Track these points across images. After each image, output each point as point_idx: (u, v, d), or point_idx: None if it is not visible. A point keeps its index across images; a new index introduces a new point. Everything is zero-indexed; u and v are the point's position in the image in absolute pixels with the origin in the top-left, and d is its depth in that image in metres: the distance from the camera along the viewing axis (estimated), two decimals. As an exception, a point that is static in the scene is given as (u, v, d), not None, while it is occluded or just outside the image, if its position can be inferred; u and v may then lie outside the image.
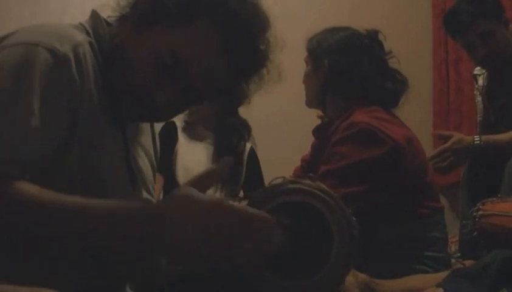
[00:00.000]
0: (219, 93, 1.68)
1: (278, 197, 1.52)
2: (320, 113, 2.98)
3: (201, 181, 1.51)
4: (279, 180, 1.56)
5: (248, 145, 4.05)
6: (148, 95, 1.59)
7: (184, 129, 4.06)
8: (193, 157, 3.90)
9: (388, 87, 2.81)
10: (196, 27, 1.58)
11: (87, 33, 1.66)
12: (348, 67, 2.79)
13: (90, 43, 1.62)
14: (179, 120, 4.05)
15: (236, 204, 1.36)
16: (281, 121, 4.80)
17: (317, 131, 2.99)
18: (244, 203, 1.44)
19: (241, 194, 3.62)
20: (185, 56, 1.57)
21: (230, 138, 3.94)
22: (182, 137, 4.01)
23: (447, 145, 3.46)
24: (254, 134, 4.09)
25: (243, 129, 4.01)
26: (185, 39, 1.57)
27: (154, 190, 1.86)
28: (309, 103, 2.94)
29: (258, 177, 4.01)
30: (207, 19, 1.58)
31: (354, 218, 1.58)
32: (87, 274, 1.52)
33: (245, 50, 1.60)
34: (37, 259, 1.45)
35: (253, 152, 4.07)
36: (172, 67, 1.56)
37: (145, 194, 1.79)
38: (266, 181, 3.25)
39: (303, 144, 3.16)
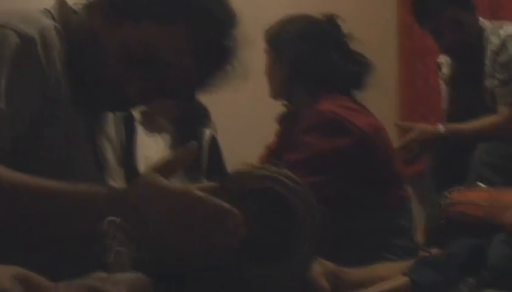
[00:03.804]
0: (187, 89, 1.68)
1: (244, 183, 1.50)
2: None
3: (164, 167, 1.48)
4: (245, 167, 1.55)
5: (209, 132, 4.04)
6: (118, 87, 1.57)
7: (143, 120, 4.03)
8: (153, 147, 3.88)
9: (352, 69, 2.80)
10: (167, 22, 1.57)
11: (53, 18, 1.64)
12: (312, 56, 2.78)
13: (57, 29, 1.60)
14: (136, 111, 4.01)
15: (200, 192, 1.35)
16: (245, 112, 4.78)
17: (282, 119, 2.97)
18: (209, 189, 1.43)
19: (203, 181, 3.60)
20: (156, 50, 1.55)
21: (190, 127, 3.92)
22: (140, 128, 3.98)
23: (412, 135, 3.46)
24: (218, 124, 4.06)
25: (203, 117, 3.99)
26: (157, 34, 1.57)
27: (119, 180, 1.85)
28: (274, 95, 2.92)
29: (220, 164, 4.01)
30: (177, 15, 1.57)
31: (320, 206, 1.57)
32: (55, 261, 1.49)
33: (212, 46, 1.60)
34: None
35: (214, 140, 4.07)
36: (144, 61, 1.55)
37: (112, 183, 1.78)
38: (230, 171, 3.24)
39: (269, 135, 3.14)
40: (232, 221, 1.36)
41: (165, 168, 1.47)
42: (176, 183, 1.42)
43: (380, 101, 3.56)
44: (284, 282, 1.54)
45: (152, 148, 3.85)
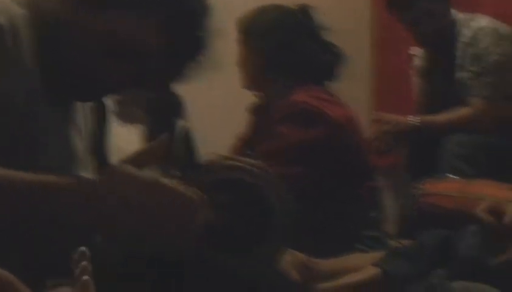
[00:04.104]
0: (160, 79, 1.67)
1: (215, 174, 1.50)
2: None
3: (137, 159, 1.48)
4: (216, 157, 1.55)
5: (182, 123, 4.03)
6: (91, 77, 1.56)
7: (116, 110, 4.01)
8: (127, 137, 3.87)
9: (325, 60, 2.80)
10: (140, 12, 1.56)
11: (25, 7, 1.62)
12: (285, 46, 2.77)
13: (27, 17, 1.58)
14: (109, 100, 3.99)
15: (170, 181, 1.34)
16: (218, 102, 4.77)
17: (255, 110, 2.97)
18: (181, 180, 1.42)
19: (176, 171, 3.59)
20: (129, 40, 1.54)
21: (164, 117, 3.91)
22: (114, 118, 3.96)
23: (385, 126, 3.47)
24: (192, 115, 4.05)
25: (177, 108, 3.98)
26: (129, 24, 1.55)
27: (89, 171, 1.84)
28: (247, 85, 2.91)
29: (193, 155, 4.00)
30: (150, 5, 1.56)
31: (292, 197, 1.57)
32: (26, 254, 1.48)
33: (185, 37, 1.59)
34: None
35: (187, 130, 4.05)
36: (116, 51, 1.54)
37: (82, 174, 1.76)
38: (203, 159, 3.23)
39: (242, 125, 3.13)
40: (202, 211, 1.36)
41: (137, 160, 1.46)
42: (147, 173, 1.41)
43: (354, 92, 3.57)
44: (255, 272, 1.54)
45: (125, 138, 3.84)
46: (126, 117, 3.95)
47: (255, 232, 1.52)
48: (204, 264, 1.47)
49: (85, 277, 1.05)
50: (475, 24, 3.46)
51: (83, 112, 1.84)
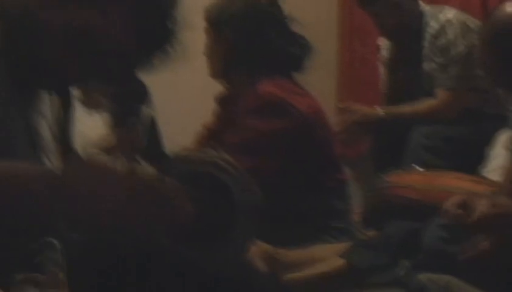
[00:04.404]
0: (126, 70, 1.65)
1: (182, 167, 1.49)
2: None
3: (104, 148, 1.46)
4: (182, 151, 1.54)
5: (147, 111, 4.00)
6: (56, 67, 1.54)
7: (81, 97, 3.98)
8: (92, 125, 3.84)
9: (292, 51, 2.79)
10: (107, 2, 1.53)
11: None
12: (252, 36, 2.76)
13: None
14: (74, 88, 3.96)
15: (142, 172, 1.34)
16: (185, 92, 4.75)
17: (221, 100, 2.95)
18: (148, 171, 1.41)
19: (141, 160, 3.57)
20: (96, 31, 1.53)
21: (128, 105, 3.88)
22: (79, 105, 3.93)
23: (351, 117, 3.47)
24: (158, 104, 4.03)
25: (142, 96, 3.95)
26: (96, 14, 1.53)
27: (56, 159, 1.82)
28: (214, 75, 2.89)
29: (158, 144, 3.98)
30: None
31: (258, 189, 1.57)
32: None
33: (152, 27, 1.57)
34: None
35: (153, 119, 4.03)
36: (83, 42, 1.52)
37: (47, 163, 1.74)
38: (168, 149, 3.22)
39: (208, 115, 3.12)
40: (171, 203, 1.35)
41: (104, 148, 1.45)
42: (113, 162, 1.40)
43: (320, 82, 3.57)
44: (221, 264, 1.54)
45: (90, 125, 3.81)
46: (91, 105, 3.92)
47: (221, 225, 1.52)
48: (171, 256, 1.46)
49: (54, 269, 1.04)
50: (442, 16, 3.47)
51: (48, 100, 1.82)
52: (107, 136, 2.80)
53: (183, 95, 4.63)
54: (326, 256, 2.59)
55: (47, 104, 1.81)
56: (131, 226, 1.33)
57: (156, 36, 1.60)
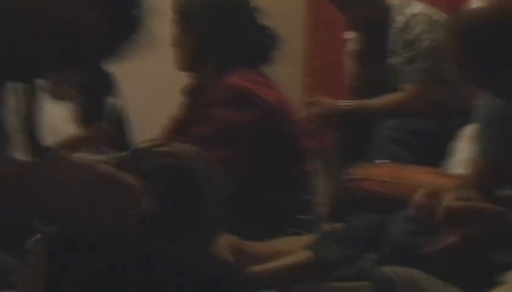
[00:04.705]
0: (94, 59, 1.64)
1: (149, 160, 1.49)
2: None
3: (73, 143, 1.46)
4: (150, 143, 1.54)
5: (114, 101, 3.99)
6: (25, 57, 1.52)
7: (49, 88, 3.96)
8: (60, 115, 3.82)
9: (260, 43, 2.79)
10: None
11: None
12: (221, 28, 2.76)
13: None
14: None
15: (105, 166, 1.34)
16: (153, 83, 4.73)
17: (189, 91, 2.95)
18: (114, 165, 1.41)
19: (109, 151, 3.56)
20: (64, 20, 1.51)
21: (96, 96, 3.87)
22: (45, 96, 3.91)
23: (317, 109, 3.47)
24: (126, 95, 4.01)
25: (110, 87, 3.94)
26: (65, 3, 1.51)
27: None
28: (181, 66, 2.88)
29: (126, 134, 3.96)
30: None
31: (225, 181, 1.57)
32: None
33: (121, 16, 1.56)
34: None
35: (119, 109, 4.02)
36: (51, 31, 1.51)
37: (14, 154, 1.73)
38: (135, 138, 3.20)
39: (175, 105, 3.11)
40: (139, 196, 1.35)
41: (74, 144, 1.44)
42: (83, 157, 1.40)
43: (287, 74, 3.57)
44: (189, 257, 1.54)
45: (58, 116, 3.79)
46: (59, 95, 3.89)
47: (189, 219, 1.51)
48: (138, 250, 1.46)
49: (36, 264, 1.03)
50: (409, 10, 3.48)
51: (14, 91, 1.81)
52: (75, 127, 2.78)
53: (151, 86, 4.61)
54: (293, 248, 2.60)
55: (13, 95, 1.79)
56: (98, 219, 1.33)
57: (124, 25, 1.59)
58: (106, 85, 3.90)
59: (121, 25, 1.59)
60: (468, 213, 1.97)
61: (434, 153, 3.23)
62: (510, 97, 2.11)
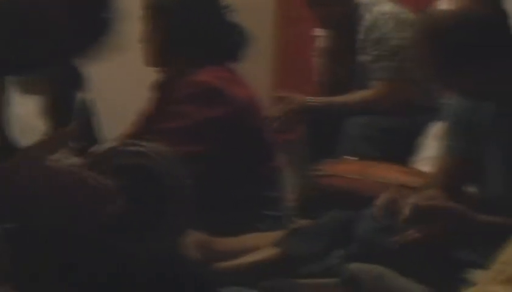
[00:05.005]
0: (64, 59, 1.64)
1: (115, 158, 1.49)
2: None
3: (46, 144, 1.45)
4: (119, 142, 1.53)
5: (82, 95, 3.97)
6: None
7: (17, 82, 3.92)
8: (27, 108, 3.79)
9: (229, 41, 2.79)
10: None
11: None
12: (189, 25, 2.75)
13: None
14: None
15: (73, 166, 1.34)
16: (122, 79, 4.71)
17: (157, 87, 2.94)
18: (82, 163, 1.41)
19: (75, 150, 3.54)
20: (34, 19, 1.50)
21: (66, 90, 3.84)
22: (15, 89, 3.88)
23: (285, 105, 3.48)
24: (94, 90, 3.99)
25: (79, 81, 3.91)
26: (34, 2, 1.51)
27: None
28: (149, 62, 2.87)
29: (92, 129, 3.94)
30: None
31: (192, 180, 1.57)
32: None
33: (91, 17, 1.56)
34: None
35: (88, 103, 4.00)
36: (20, 31, 1.50)
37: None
38: (104, 133, 3.19)
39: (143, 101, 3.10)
40: (104, 195, 1.35)
41: (47, 144, 1.44)
42: (56, 158, 1.40)
43: (255, 70, 3.57)
44: (156, 255, 1.54)
45: (27, 109, 3.76)
46: (28, 88, 3.86)
47: (156, 217, 1.52)
48: (106, 248, 1.46)
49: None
50: (378, 9, 3.49)
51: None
52: (43, 122, 2.77)
53: (120, 82, 4.59)
54: (261, 245, 2.60)
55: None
56: (67, 218, 1.33)
57: (94, 26, 1.59)
58: (76, 80, 3.88)
59: (92, 26, 1.59)
60: (433, 212, 2.00)
61: (402, 151, 3.25)
62: (475, 97, 2.13)
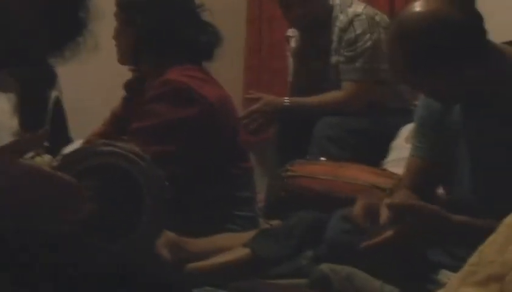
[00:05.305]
0: (37, 59, 1.63)
1: (89, 159, 1.48)
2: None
3: (16, 146, 1.44)
4: (90, 142, 1.53)
5: (54, 93, 3.94)
6: None
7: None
8: (0, 107, 3.76)
9: (201, 40, 2.78)
10: None
11: None
12: (161, 23, 2.74)
13: None
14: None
15: (44, 167, 1.34)
16: (94, 78, 4.69)
17: (129, 86, 2.93)
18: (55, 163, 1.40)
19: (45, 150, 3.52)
20: (8, 18, 1.49)
21: (36, 88, 3.81)
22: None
23: (257, 106, 3.48)
24: (67, 89, 3.97)
25: (51, 79, 3.88)
26: (8, 1, 1.50)
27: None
28: (121, 60, 2.86)
29: (63, 128, 3.91)
30: None
31: (165, 180, 1.56)
32: None
33: (66, 17, 1.55)
34: None
35: (59, 101, 3.97)
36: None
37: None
38: (75, 133, 3.17)
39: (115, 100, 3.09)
40: (76, 196, 1.34)
41: (17, 147, 1.43)
42: (26, 160, 1.39)
43: (227, 70, 3.56)
44: (129, 256, 1.53)
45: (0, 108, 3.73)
46: (1, 87, 3.83)
47: (128, 218, 1.51)
48: (79, 250, 1.45)
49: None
50: (352, 10, 3.50)
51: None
52: (22, 137, 2.75)
53: (91, 80, 4.57)
54: (231, 245, 2.60)
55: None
56: (37, 220, 1.32)
57: (68, 25, 1.58)
58: (49, 79, 3.85)
59: (66, 26, 1.58)
60: (402, 212, 2.00)
61: (372, 152, 3.27)
62: (447, 99, 2.14)
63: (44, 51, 1.62)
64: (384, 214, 1.99)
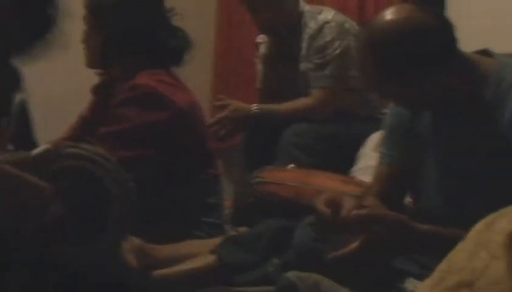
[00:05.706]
0: (4, 54, 1.61)
1: (56, 162, 1.46)
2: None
3: None
4: (56, 145, 1.52)
5: (19, 96, 3.90)
6: None
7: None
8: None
9: (171, 45, 2.77)
10: None
11: None
12: (131, 26, 2.72)
13: None
14: None
15: (11, 168, 1.29)
16: (62, 81, 4.65)
17: (97, 90, 2.91)
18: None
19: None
20: None
21: (2, 89, 3.78)
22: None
23: (225, 112, 3.47)
24: (35, 93, 3.93)
25: (16, 80, 3.85)
26: None
27: None
28: (90, 64, 2.84)
29: (28, 131, 3.88)
30: None
31: (132, 184, 1.56)
32: None
33: (35, 14, 1.54)
34: None
35: (24, 104, 3.94)
36: None
37: None
38: (41, 136, 3.14)
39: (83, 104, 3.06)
40: (43, 197, 1.33)
41: None
42: None
43: (196, 75, 3.55)
44: (95, 260, 1.52)
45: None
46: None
47: (95, 221, 1.50)
48: (45, 253, 1.44)
49: None
50: (322, 17, 3.50)
51: None
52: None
53: (59, 83, 4.54)
54: (198, 251, 2.58)
55: None
56: (7, 223, 1.30)
57: (37, 24, 1.57)
58: (14, 80, 3.81)
59: (35, 24, 1.56)
60: (368, 220, 2.00)
61: (341, 159, 3.26)
62: (417, 107, 2.15)
63: (9, 50, 1.60)
64: (347, 205, 1.98)
